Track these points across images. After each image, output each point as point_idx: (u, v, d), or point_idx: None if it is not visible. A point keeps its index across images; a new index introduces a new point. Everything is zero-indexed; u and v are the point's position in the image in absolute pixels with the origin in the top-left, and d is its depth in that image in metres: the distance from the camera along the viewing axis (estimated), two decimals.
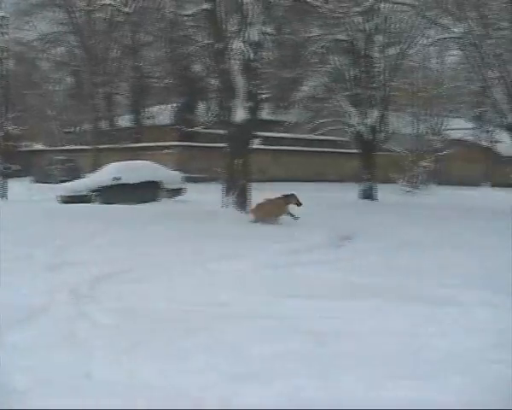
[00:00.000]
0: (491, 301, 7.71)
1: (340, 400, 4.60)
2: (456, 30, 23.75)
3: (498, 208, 23.07)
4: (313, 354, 5.59)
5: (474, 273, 9.72)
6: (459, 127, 44.67)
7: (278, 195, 17.11)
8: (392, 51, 26.86)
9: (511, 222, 17.34)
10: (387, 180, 31.79)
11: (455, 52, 33.30)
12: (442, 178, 40.81)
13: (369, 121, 26.47)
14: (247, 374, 5.08)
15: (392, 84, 27.90)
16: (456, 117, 45.59)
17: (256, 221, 16.35)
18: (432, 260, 11.02)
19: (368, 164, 27.46)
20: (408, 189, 33.39)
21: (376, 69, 26.84)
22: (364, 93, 26.45)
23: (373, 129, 26.74)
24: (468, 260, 11.10)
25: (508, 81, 23.68)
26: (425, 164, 35.41)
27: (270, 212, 16.71)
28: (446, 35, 25.70)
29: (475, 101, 44.16)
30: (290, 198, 17.09)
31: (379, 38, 26.38)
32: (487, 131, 47.12)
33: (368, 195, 26.95)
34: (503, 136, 35.78)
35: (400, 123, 34.43)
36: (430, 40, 27.89)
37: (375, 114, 26.51)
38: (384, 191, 27.99)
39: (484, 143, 47.91)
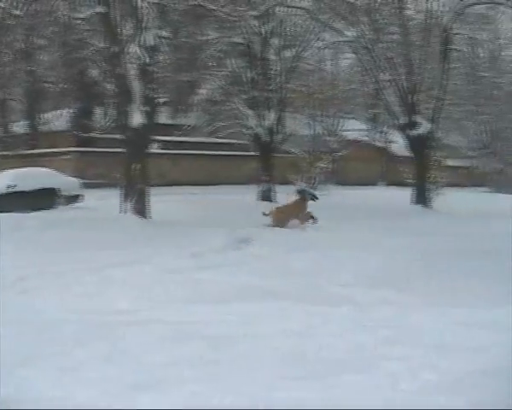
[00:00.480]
0: (388, 299, 7.92)
1: (235, 402, 4.63)
2: (349, 34, 24.29)
3: (394, 207, 23.71)
4: (210, 359, 5.58)
5: (370, 272, 9.98)
6: (355, 128, 45.58)
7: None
8: (287, 54, 27.25)
9: (407, 221, 17.88)
10: (286, 181, 32.10)
11: (349, 55, 34.08)
12: (339, 178, 41.52)
13: (266, 123, 26.73)
14: (144, 383, 5.02)
15: (289, 86, 28.30)
16: (352, 118, 46.49)
17: (277, 225, 16.37)
18: (330, 261, 11.20)
19: (266, 166, 27.71)
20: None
21: (273, 72, 27.16)
22: (261, 95, 26.70)
23: (270, 131, 27.01)
24: (365, 259, 11.36)
25: (399, 84, 24.42)
26: (322, 165, 35.93)
27: (292, 215, 16.84)
28: (340, 38, 26.22)
29: (369, 103, 45.31)
30: (305, 195, 17.47)
31: (275, 42, 26.71)
32: (381, 132, 48.36)
33: (267, 196, 27.16)
34: (396, 136, 36.75)
35: (297, 125, 34.86)
36: (324, 43, 28.41)
37: (272, 116, 26.79)
38: (283, 193, 28.25)
39: (378, 144, 49.07)
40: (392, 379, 5.03)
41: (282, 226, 16.38)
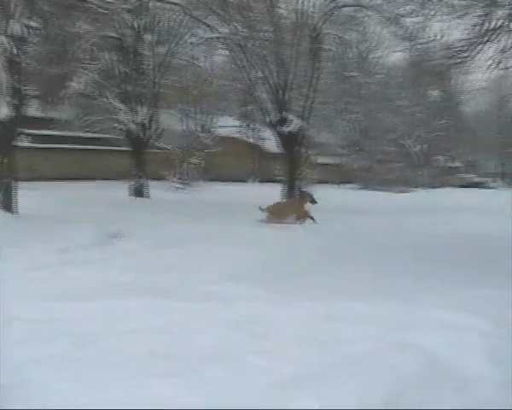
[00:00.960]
0: (255, 294, 8.03)
1: (102, 400, 4.60)
2: (221, 30, 24.39)
3: (264, 203, 24.04)
4: (77, 357, 5.47)
5: (239, 268, 10.09)
6: (228, 125, 45.91)
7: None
8: (161, 49, 27.12)
9: None
10: (159, 177, 32.04)
11: (222, 52, 34.19)
12: (212, 174, 41.73)
13: (139, 119, 26.55)
14: (4, 384, 4.90)
15: (162, 81, 28.19)
16: (225, 115, 46.81)
17: (269, 222, 17.08)
18: (200, 256, 11.27)
19: (139, 161, 27.53)
20: (179, 185, 33.84)
21: (146, 67, 26.97)
22: (134, 90, 26.49)
23: (143, 126, 26.86)
24: (235, 255, 11.49)
25: (271, 81, 24.76)
26: (195, 161, 36.05)
27: (287, 212, 17.72)
28: (213, 35, 26.27)
29: (242, 99, 45.75)
30: (305, 196, 18.36)
31: (148, 36, 26.53)
32: (254, 129, 48.97)
33: (139, 192, 27.02)
34: (268, 133, 37.26)
35: (171, 120, 34.82)
36: (198, 39, 28.40)
37: (144, 112, 26.65)
38: (156, 188, 28.18)
39: (251, 140, 49.66)
40: (258, 374, 5.13)
41: (276, 221, 17.16)
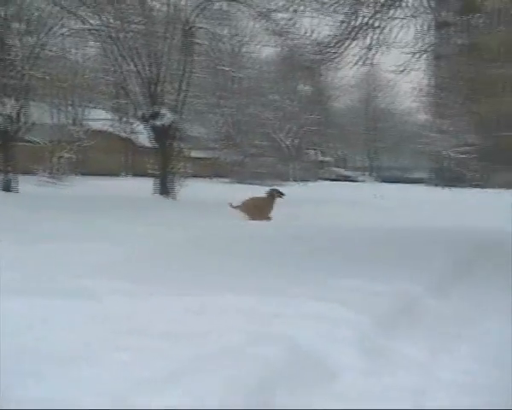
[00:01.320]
0: (124, 289, 7.95)
1: None
2: (93, 22, 24.06)
3: (136, 197, 23.96)
4: None
5: (109, 263, 9.96)
6: (100, 118, 45.25)
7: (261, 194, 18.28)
8: (30, 39, 26.35)
9: (149, 211, 18.13)
10: (29, 172, 31.20)
11: (94, 44, 33.70)
12: (84, 168, 41.06)
13: (6, 111, 25.73)
14: None
15: (32, 73, 27.39)
16: (97, 108, 46.09)
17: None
18: (69, 252, 11.00)
19: (7, 155, 26.68)
20: (49, 180, 33.10)
21: (14, 57, 26.14)
22: (1, 82, 25.65)
23: (11, 119, 26.05)
24: (105, 250, 11.31)
25: (143, 75, 24.67)
26: (66, 155, 35.38)
27: (259, 211, 17.59)
28: (84, 26, 25.87)
29: (114, 92, 45.18)
30: (274, 194, 18.28)
31: (16, 25, 25.72)
32: (126, 123, 48.43)
33: (7, 187, 26.20)
34: (141, 127, 36.99)
35: (41, 113, 33.95)
36: (69, 30, 27.85)
37: (13, 104, 25.84)
38: (25, 183, 27.40)
39: (123, 134, 49.14)
40: (127, 370, 5.10)
41: (255, 219, 17.18)
